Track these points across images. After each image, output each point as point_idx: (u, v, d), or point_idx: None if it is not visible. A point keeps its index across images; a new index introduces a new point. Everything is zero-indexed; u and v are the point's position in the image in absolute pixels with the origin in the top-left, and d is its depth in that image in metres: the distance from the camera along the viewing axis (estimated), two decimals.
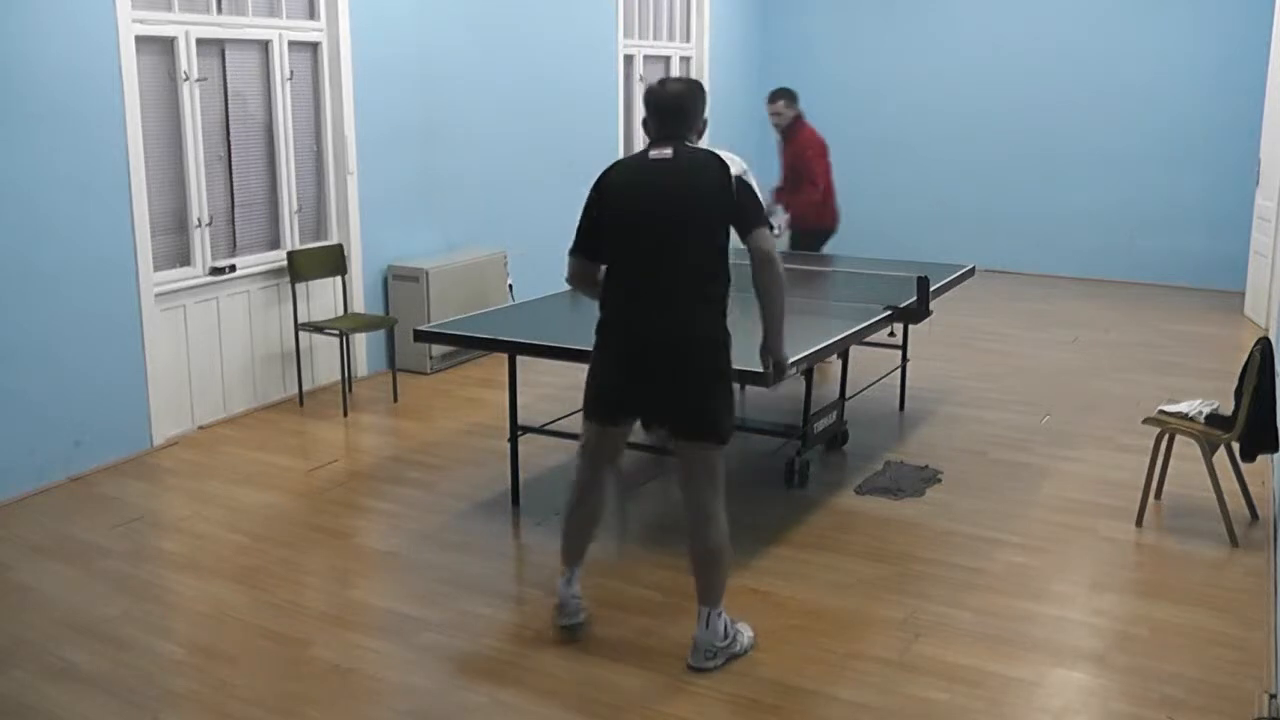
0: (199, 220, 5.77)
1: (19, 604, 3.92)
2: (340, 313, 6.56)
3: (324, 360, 6.52)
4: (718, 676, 3.39)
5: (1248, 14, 9.03)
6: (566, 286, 5.21)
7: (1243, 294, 8.77)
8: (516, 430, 4.80)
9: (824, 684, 3.38)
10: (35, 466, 4.95)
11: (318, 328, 6.14)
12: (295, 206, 6.35)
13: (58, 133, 4.93)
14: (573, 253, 3.50)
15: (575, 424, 3.77)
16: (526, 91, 7.83)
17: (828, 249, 7.07)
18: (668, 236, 3.30)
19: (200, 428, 5.82)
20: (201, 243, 5.80)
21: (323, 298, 6.51)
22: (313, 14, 6.33)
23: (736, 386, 4.01)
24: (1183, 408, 4.61)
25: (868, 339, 5.20)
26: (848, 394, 5.41)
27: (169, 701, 3.30)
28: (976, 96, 10.30)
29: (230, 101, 5.93)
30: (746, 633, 3.55)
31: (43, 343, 4.96)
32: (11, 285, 4.81)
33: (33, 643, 3.62)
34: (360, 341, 6.69)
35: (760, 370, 3.52)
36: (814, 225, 6.83)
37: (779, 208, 6.80)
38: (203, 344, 5.85)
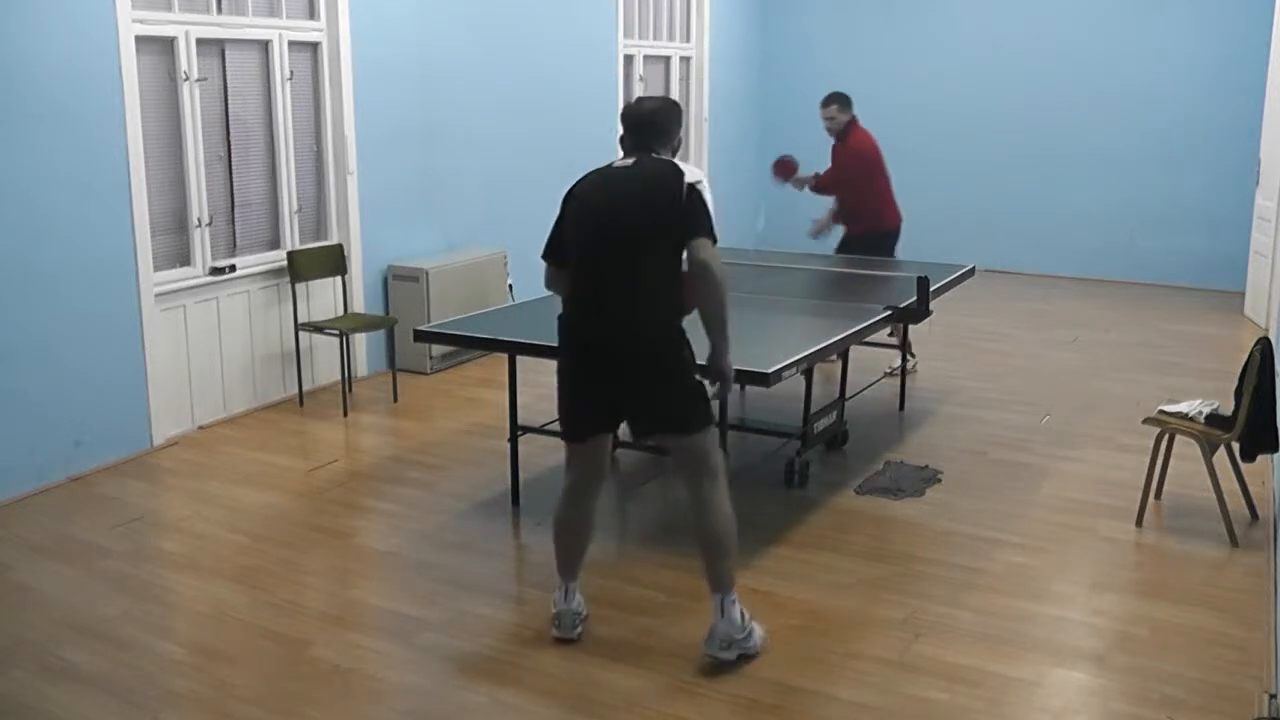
0: (199, 220, 5.77)
1: (19, 604, 3.92)
2: (340, 313, 6.56)
3: (324, 360, 6.52)
4: (718, 676, 3.39)
5: (1248, 14, 9.03)
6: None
7: (1243, 294, 8.77)
8: (516, 430, 4.80)
9: (824, 684, 3.38)
10: (35, 466, 4.95)
11: (318, 328, 6.14)
12: (295, 206, 6.35)
13: (58, 133, 4.93)
14: (544, 256, 3.58)
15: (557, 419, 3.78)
16: (526, 91, 7.83)
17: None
18: (621, 238, 3.35)
19: (200, 428, 5.82)
20: (201, 243, 5.80)
21: (323, 298, 6.51)
22: (313, 14, 6.33)
23: (736, 387, 4.02)
24: (1183, 408, 4.61)
25: (868, 339, 5.20)
26: (848, 394, 5.41)
27: (169, 701, 3.30)
28: (976, 96, 10.30)
29: (230, 101, 5.93)
30: (759, 631, 3.54)
31: (43, 343, 4.96)
32: (11, 285, 4.81)
33: (33, 643, 3.62)
34: (360, 341, 6.69)
35: (763, 372, 3.53)
36: (875, 228, 6.76)
37: (812, 178, 6.79)
38: (203, 344, 5.85)
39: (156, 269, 5.49)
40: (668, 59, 9.76)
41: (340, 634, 3.70)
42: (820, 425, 5.04)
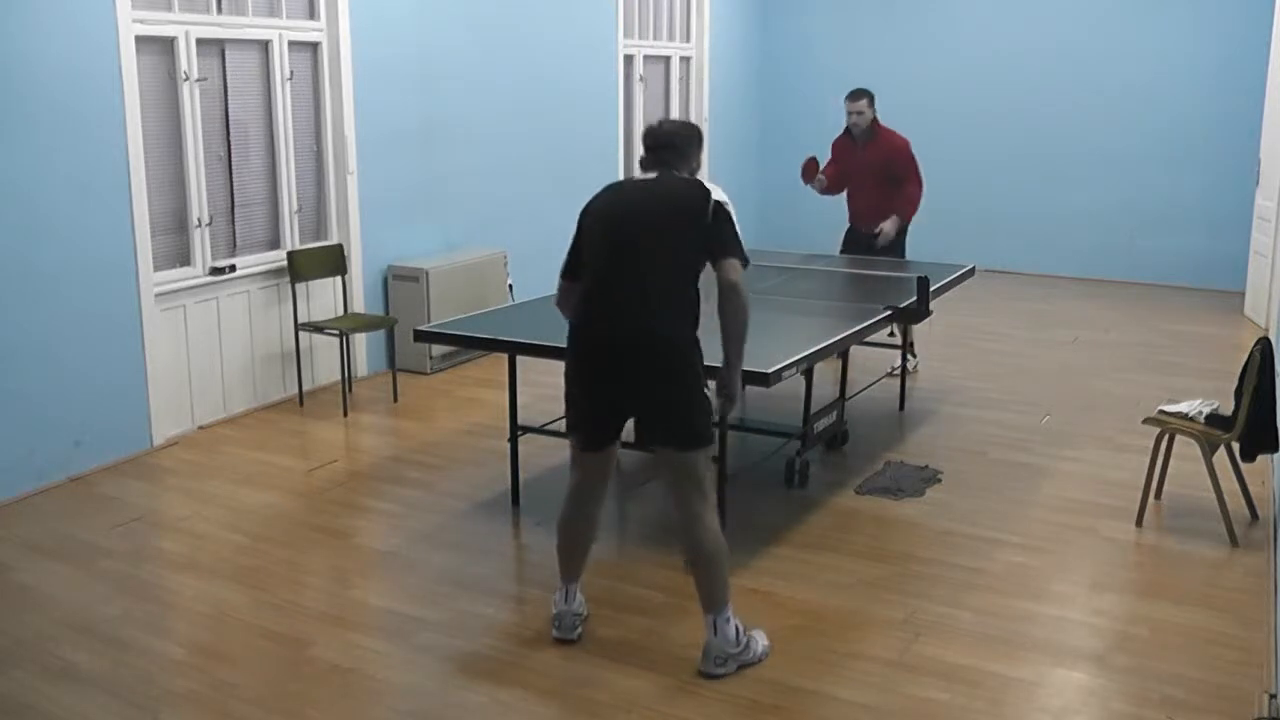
0: (199, 220, 5.77)
1: (19, 604, 3.92)
2: (340, 313, 6.56)
3: (324, 360, 6.52)
4: (718, 676, 3.39)
5: (1248, 14, 9.03)
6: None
7: (1243, 294, 8.77)
8: (516, 430, 4.80)
9: (824, 684, 3.38)
10: (35, 466, 4.95)
11: (318, 328, 6.15)
12: (295, 206, 6.35)
13: (58, 133, 4.93)
14: (561, 275, 3.56)
15: (565, 425, 3.77)
16: (526, 91, 7.83)
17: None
18: (639, 247, 3.34)
19: (200, 428, 5.82)
20: (201, 243, 5.80)
21: (323, 298, 6.51)
22: (313, 14, 6.33)
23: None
24: (1183, 408, 4.61)
25: (868, 339, 5.20)
26: (848, 394, 5.41)
27: (169, 701, 3.30)
28: (976, 96, 10.30)
29: (230, 101, 5.93)
30: (761, 641, 3.53)
31: (43, 343, 4.96)
32: (11, 285, 4.81)
33: (33, 643, 3.62)
34: (360, 341, 6.69)
35: (763, 372, 3.52)
36: (905, 223, 6.78)
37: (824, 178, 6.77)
38: (203, 344, 5.85)
39: (156, 269, 5.49)
40: (668, 59, 9.76)
41: (340, 634, 3.70)
42: (820, 425, 5.04)
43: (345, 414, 6.08)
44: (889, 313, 5.15)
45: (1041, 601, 3.93)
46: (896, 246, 6.82)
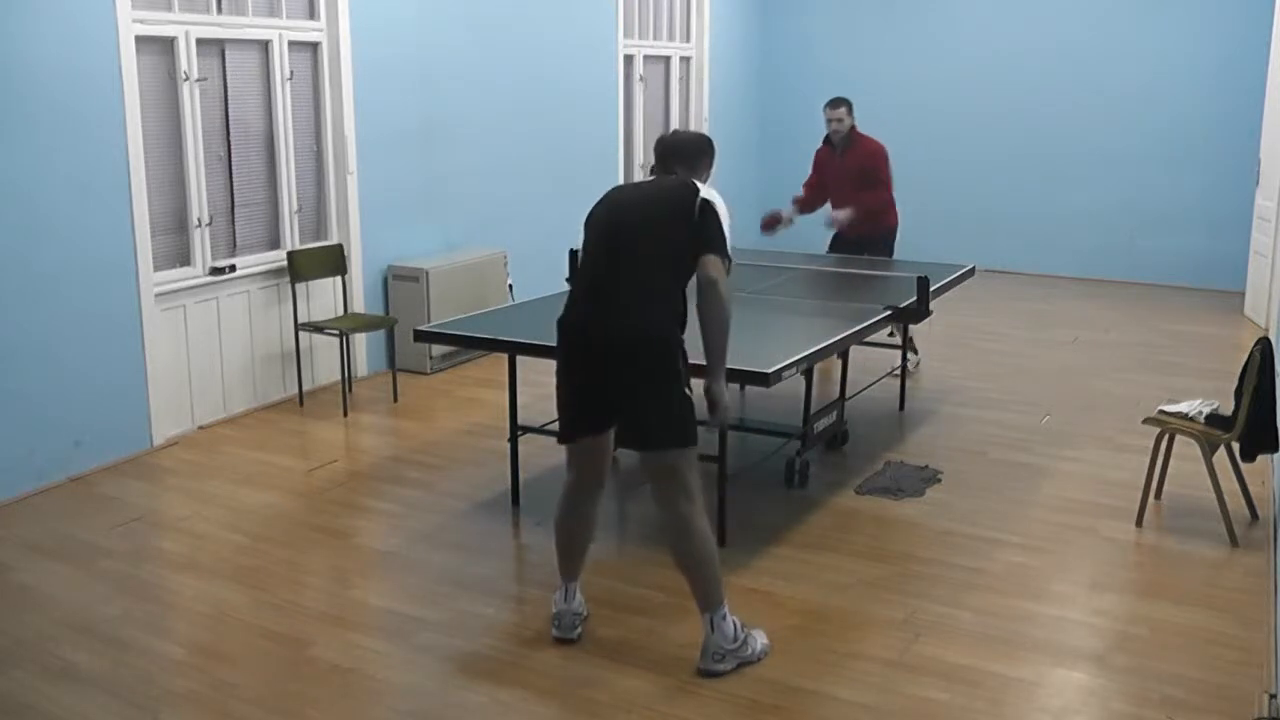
0: (199, 220, 5.77)
1: (19, 604, 3.92)
2: (340, 313, 6.56)
3: (324, 360, 6.52)
4: (718, 676, 3.39)
5: (1248, 14, 9.03)
6: (566, 286, 5.21)
7: (1243, 294, 8.77)
8: (516, 430, 4.80)
9: (824, 684, 3.38)
10: (35, 466, 4.95)
11: (318, 328, 6.15)
12: (295, 206, 6.35)
13: (58, 133, 4.93)
14: (568, 281, 3.60)
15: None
16: (526, 91, 7.83)
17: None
18: (624, 242, 3.37)
19: (200, 428, 5.82)
20: (201, 243, 5.80)
21: (323, 298, 6.51)
22: (313, 14, 6.33)
23: (735, 386, 4.01)
24: (1183, 408, 4.61)
25: (868, 339, 5.20)
26: (848, 394, 5.41)
27: (169, 701, 3.30)
28: (977, 97, 10.30)
29: (230, 101, 5.93)
30: (760, 639, 3.53)
31: (43, 343, 4.96)
32: (11, 285, 4.81)
33: (33, 643, 3.62)
34: (360, 341, 6.69)
35: (761, 371, 3.51)
36: (886, 227, 6.82)
37: (793, 209, 6.81)
38: (203, 344, 5.85)
39: (156, 269, 5.49)
40: (668, 59, 9.76)
41: (340, 634, 3.70)
42: (820, 425, 5.03)
43: (345, 414, 6.08)
44: (889, 313, 5.15)
45: (1041, 601, 3.93)
46: (885, 249, 6.85)
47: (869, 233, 6.78)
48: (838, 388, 5.40)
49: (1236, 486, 4.61)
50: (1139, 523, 4.57)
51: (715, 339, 3.33)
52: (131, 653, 3.56)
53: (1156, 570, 4.25)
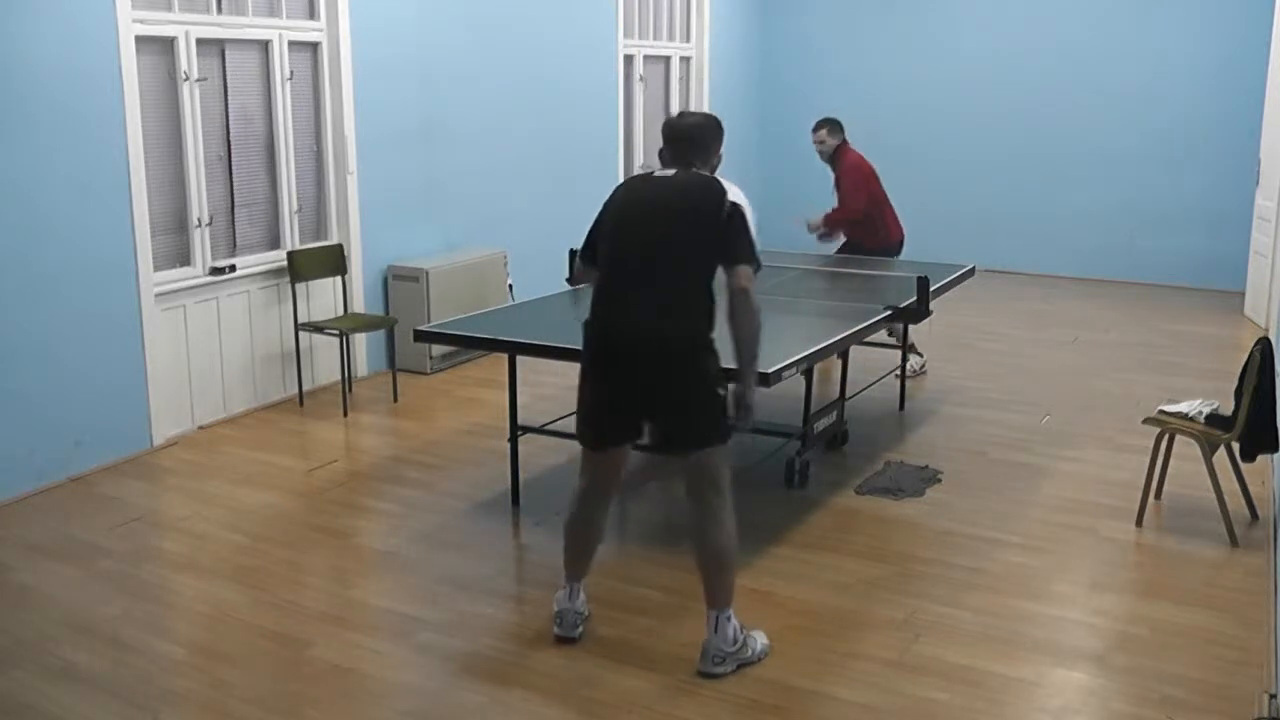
0: (199, 220, 5.77)
1: (19, 604, 3.92)
2: (340, 313, 6.56)
3: (324, 360, 6.52)
4: (718, 676, 3.39)
5: (1248, 14, 9.03)
6: (566, 286, 5.21)
7: (1243, 294, 8.77)
8: (516, 430, 4.80)
9: (824, 684, 3.38)
10: (35, 466, 4.95)
11: (318, 328, 6.15)
12: (295, 206, 6.35)
13: (58, 133, 4.93)
14: (580, 257, 3.57)
15: (574, 424, 3.77)
16: (526, 91, 7.83)
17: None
18: (655, 246, 3.32)
19: (200, 428, 5.82)
20: (201, 243, 5.80)
21: (323, 298, 6.51)
22: (313, 14, 6.33)
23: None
24: (1183, 408, 4.61)
25: (868, 339, 5.20)
26: (848, 394, 5.41)
27: (169, 701, 3.30)
28: (976, 96, 10.30)
29: (230, 101, 5.93)
30: (760, 640, 3.53)
31: (43, 343, 4.96)
32: (11, 285, 4.81)
33: (33, 643, 3.62)
34: (360, 341, 6.69)
35: (763, 372, 3.51)
36: (871, 247, 6.74)
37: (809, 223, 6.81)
38: (203, 344, 5.85)
39: (156, 269, 5.49)
40: (668, 59, 9.76)
41: (340, 634, 3.70)
42: (820, 425, 5.04)
43: (345, 414, 6.08)
44: (889, 313, 5.15)
45: (1041, 601, 3.93)
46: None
47: (871, 249, 6.73)
48: (838, 388, 5.41)
49: (1236, 486, 4.60)
50: (1139, 523, 4.57)
51: (747, 346, 3.32)
52: (131, 653, 3.56)
53: (1156, 570, 4.25)
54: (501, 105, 7.62)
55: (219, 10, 5.80)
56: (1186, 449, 4.74)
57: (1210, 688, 3.36)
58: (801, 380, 4.71)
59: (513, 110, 7.73)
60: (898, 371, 6.36)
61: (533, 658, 3.54)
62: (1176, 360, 7.23)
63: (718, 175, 3.54)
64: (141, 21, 5.31)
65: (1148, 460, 4.66)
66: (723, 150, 3.59)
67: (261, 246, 6.22)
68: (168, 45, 5.52)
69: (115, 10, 5.09)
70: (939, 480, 5.08)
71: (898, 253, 6.85)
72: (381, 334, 6.79)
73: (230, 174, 5.99)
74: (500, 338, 4.62)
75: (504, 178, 7.72)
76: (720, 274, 3.35)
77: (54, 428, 5.03)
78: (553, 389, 6.11)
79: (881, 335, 5.74)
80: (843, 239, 6.90)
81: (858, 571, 4.15)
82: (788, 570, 4.15)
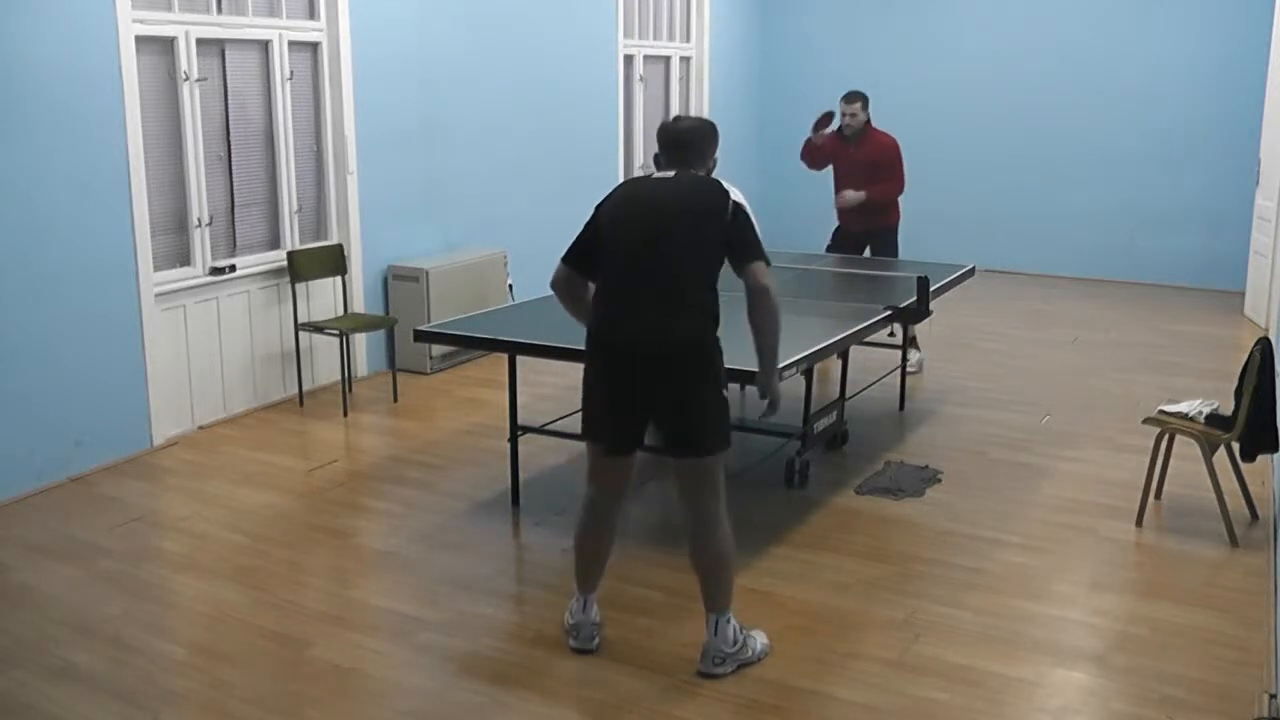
0: (199, 220, 5.77)
1: (19, 604, 3.92)
2: (340, 313, 6.56)
3: (324, 360, 6.52)
4: (718, 676, 3.39)
5: (1248, 14, 9.03)
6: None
7: (1243, 294, 8.77)
8: (516, 430, 4.80)
9: (824, 684, 3.38)
10: (35, 466, 4.95)
11: (318, 328, 6.15)
12: (295, 206, 6.35)
13: (58, 133, 4.93)
14: (563, 260, 3.50)
15: (575, 424, 3.77)
16: (526, 91, 7.83)
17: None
18: (660, 247, 3.30)
19: (200, 428, 5.82)
20: (201, 243, 5.80)
21: (323, 298, 6.51)
22: (313, 14, 6.33)
23: (736, 386, 4.00)
24: (1183, 408, 4.61)
25: (868, 339, 5.20)
26: (848, 394, 5.41)
27: (169, 701, 3.30)
28: (976, 96, 10.30)
29: (230, 101, 5.93)
30: (760, 640, 3.52)
31: (43, 343, 4.96)
32: (11, 285, 4.81)
33: (33, 643, 3.62)
34: (360, 341, 6.69)
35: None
36: (890, 223, 6.89)
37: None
38: (203, 344, 5.85)
39: (156, 269, 5.49)
40: (668, 59, 9.76)
41: (340, 634, 3.70)
42: (820, 425, 5.04)
43: (345, 414, 6.08)
44: (889, 313, 5.15)
45: (1041, 601, 3.93)
46: (890, 247, 6.90)
47: (874, 227, 6.82)
48: (838, 388, 5.41)
49: (1236, 486, 4.61)
50: (1139, 523, 4.57)
51: (769, 341, 3.31)
52: (131, 653, 3.56)
53: (1156, 570, 4.25)
54: (501, 105, 7.62)
55: (219, 10, 5.80)
56: (1186, 449, 4.74)
57: (1210, 688, 3.36)
58: (801, 380, 4.71)
59: (513, 110, 7.73)
60: (909, 368, 6.37)
61: (533, 658, 3.54)
62: (1176, 360, 7.23)
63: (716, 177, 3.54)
64: (141, 21, 5.31)
65: (1148, 460, 4.66)
66: (718, 154, 3.60)
67: (261, 246, 6.22)
68: (168, 45, 5.52)
69: (115, 10, 5.09)
70: (939, 480, 5.08)
71: (896, 231, 6.96)
72: (381, 334, 6.79)
73: (230, 174, 5.99)
74: (500, 338, 4.62)
75: (504, 178, 7.72)
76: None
77: (54, 428, 5.03)
78: (553, 389, 6.11)
79: (882, 335, 5.74)
80: (834, 220, 6.93)
81: (858, 571, 4.15)
82: (788, 570, 4.15)
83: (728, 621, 3.40)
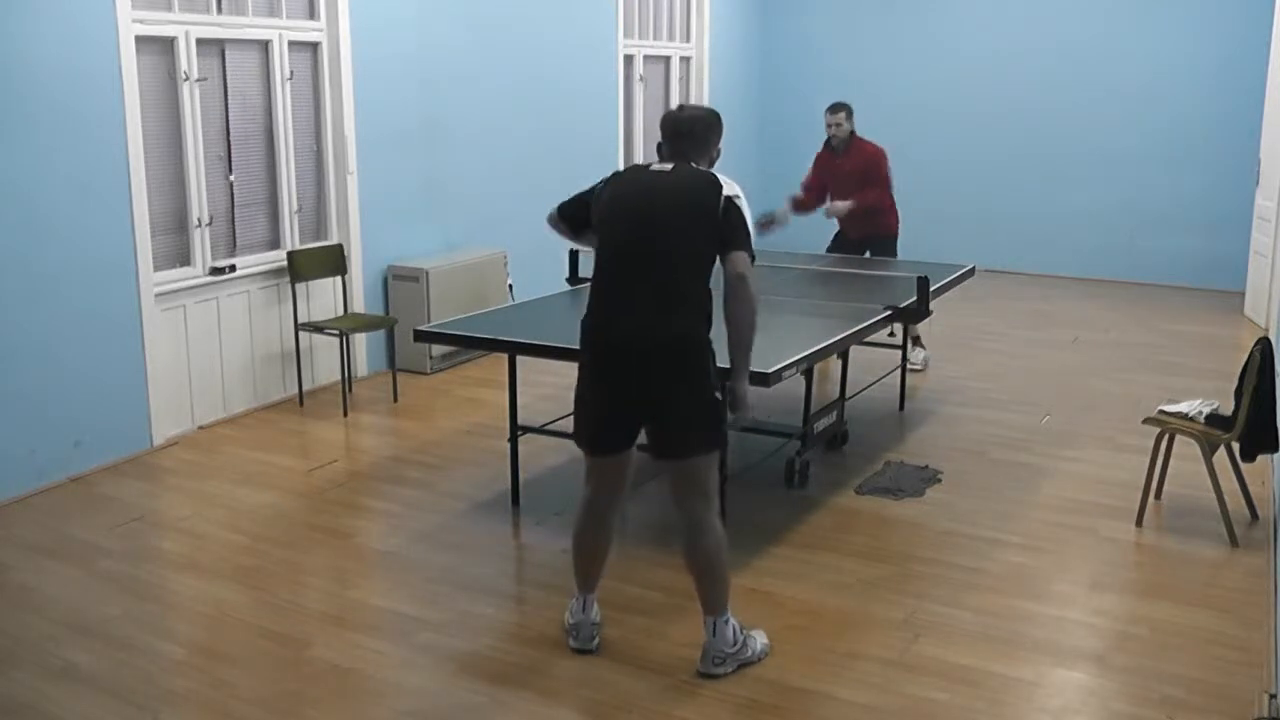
0: (199, 220, 5.77)
1: (19, 604, 3.92)
2: (340, 313, 6.56)
3: (324, 360, 6.52)
4: (718, 676, 3.39)
5: (1248, 14, 9.03)
6: (566, 286, 5.21)
7: (1243, 294, 8.77)
8: (516, 430, 4.80)
9: (824, 684, 3.38)
10: (35, 466, 4.95)
11: (318, 328, 6.15)
12: (295, 206, 6.35)
13: (58, 133, 4.93)
14: (559, 209, 3.64)
15: (573, 426, 3.76)
16: (526, 91, 7.83)
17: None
18: (651, 243, 3.30)
19: (200, 428, 5.82)
20: (201, 243, 5.80)
21: (323, 298, 6.51)
22: (313, 14, 6.33)
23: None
24: (1183, 408, 4.61)
25: (868, 339, 5.20)
26: (848, 394, 5.41)
27: (169, 701, 3.30)
28: (976, 96, 10.30)
29: (230, 101, 5.93)
30: (760, 640, 3.52)
31: (43, 343, 4.96)
32: (11, 285, 4.81)
33: (33, 643, 3.63)
34: (360, 341, 6.69)
35: (763, 372, 3.50)
36: (887, 230, 6.90)
37: (788, 207, 6.85)
38: (203, 344, 5.85)
39: (156, 269, 5.49)
40: (668, 59, 9.76)
41: (340, 634, 3.70)
42: (820, 425, 5.04)
43: (345, 414, 6.08)
44: (889, 313, 5.15)
45: (1041, 601, 3.93)
46: (889, 250, 6.91)
47: (871, 234, 6.84)
48: (838, 388, 5.41)
49: (1236, 486, 4.61)
50: (1139, 523, 4.57)
51: (742, 335, 3.30)
52: (131, 653, 3.56)
53: (1156, 570, 4.25)
54: (501, 105, 7.62)
55: (219, 10, 5.80)
56: (1186, 449, 4.74)
57: (1210, 688, 3.36)
58: (801, 380, 4.71)
59: (513, 110, 7.73)
60: (912, 365, 6.36)
61: (532, 658, 3.54)
62: (1176, 360, 7.23)
63: (715, 170, 3.52)
64: (141, 21, 5.31)
65: (1148, 460, 4.66)
66: (721, 145, 3.57)
67: (261, 246, 6.22)
68: (168, 45, 5.52)
69: (115, 10, 5.09)
70: (939, 480, 5.08)
71: (896, 238, 6.95)
72: (381, 334, 6.79)
73: (230, 174, 5.99)
74: (500, 338, 4.62)
75: (504, 178, 7.72)
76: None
77: (54, 428, 5.03)
78: (553, 389, 6.11)
79: (882, 335, 5.74)
80: (835, 225, 6.94)
81: (858, 571, 4.15)
82: (788, 570, 4.15)
83: (726, 622, 3.40)
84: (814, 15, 10.96)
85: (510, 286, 7.42)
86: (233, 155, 5.99)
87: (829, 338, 4.62)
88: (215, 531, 4.54)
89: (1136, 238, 9.88)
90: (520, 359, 4.69)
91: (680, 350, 3.28)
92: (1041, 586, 4.05)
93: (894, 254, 6.94)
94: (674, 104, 9.81)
